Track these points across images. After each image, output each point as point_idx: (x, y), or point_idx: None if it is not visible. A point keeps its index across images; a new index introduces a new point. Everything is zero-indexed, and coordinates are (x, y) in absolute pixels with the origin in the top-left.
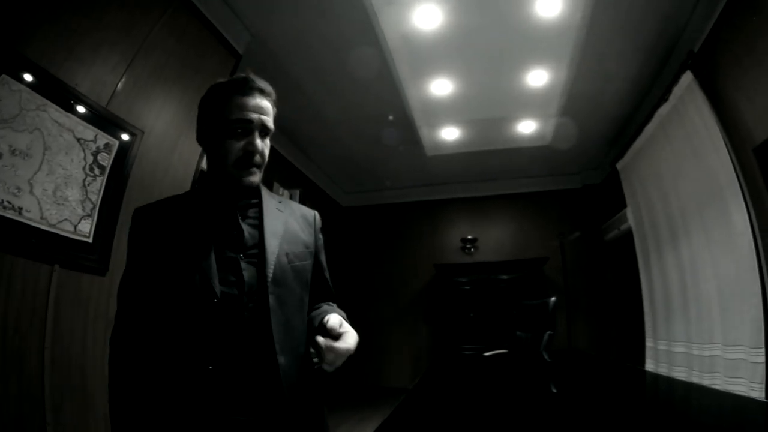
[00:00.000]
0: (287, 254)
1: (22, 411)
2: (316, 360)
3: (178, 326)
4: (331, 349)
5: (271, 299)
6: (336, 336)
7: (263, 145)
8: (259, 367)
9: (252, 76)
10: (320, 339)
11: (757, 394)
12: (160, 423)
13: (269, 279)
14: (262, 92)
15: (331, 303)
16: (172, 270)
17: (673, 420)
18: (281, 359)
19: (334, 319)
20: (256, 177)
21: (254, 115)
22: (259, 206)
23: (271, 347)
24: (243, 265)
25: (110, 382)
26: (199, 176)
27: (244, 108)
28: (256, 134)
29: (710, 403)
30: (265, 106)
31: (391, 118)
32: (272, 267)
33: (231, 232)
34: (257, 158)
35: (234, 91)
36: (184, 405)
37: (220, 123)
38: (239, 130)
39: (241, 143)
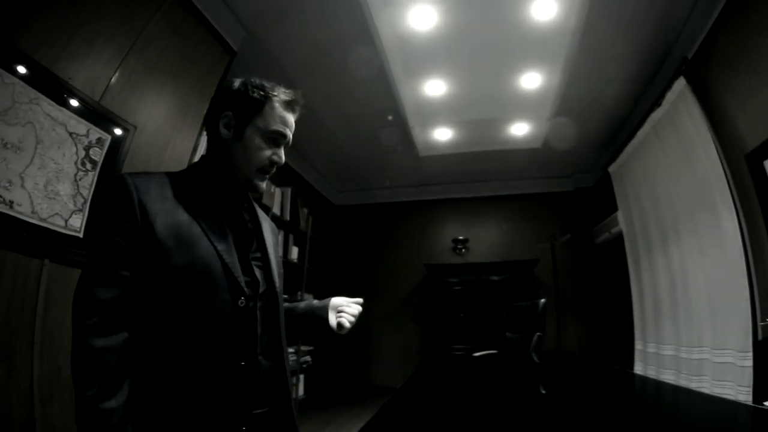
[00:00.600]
0: (276, 259)
1: (11, 405)
2: (336, 326)
3: (207, 322)
4: (350, 306)
5: (279, 299)
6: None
7: None
8: (273, 362)
9: (300, 96)
10: (339, 300)
11: (745, 397)
12: (190, 422)
13: (276, 281)
14: (296, 112)
15: None
16: (194, 262)
17: (661, 423)
18: (285, 354)
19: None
20: (264, 185)
21: (289, 132)
22: (252, 211)
23: (278, 343)
24: (253, 266)
25: (92, 391)
26: (196, 164)
27: (286, 123)
28: (282, 148)
29: (698, 407)
30: (294, 125)
31: (390, 118)
32: (275, 270)
33: (239, 232)
34: (274, 169)
35: (282, 101)
36: (218, 402)
37: (260, 127)
38: (272, 140)
39: (269, 152)
